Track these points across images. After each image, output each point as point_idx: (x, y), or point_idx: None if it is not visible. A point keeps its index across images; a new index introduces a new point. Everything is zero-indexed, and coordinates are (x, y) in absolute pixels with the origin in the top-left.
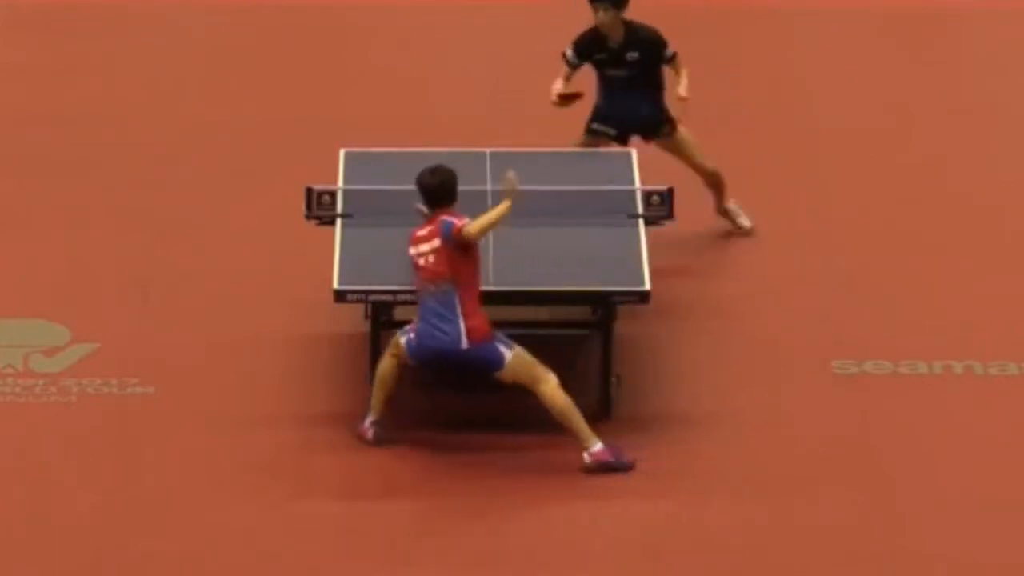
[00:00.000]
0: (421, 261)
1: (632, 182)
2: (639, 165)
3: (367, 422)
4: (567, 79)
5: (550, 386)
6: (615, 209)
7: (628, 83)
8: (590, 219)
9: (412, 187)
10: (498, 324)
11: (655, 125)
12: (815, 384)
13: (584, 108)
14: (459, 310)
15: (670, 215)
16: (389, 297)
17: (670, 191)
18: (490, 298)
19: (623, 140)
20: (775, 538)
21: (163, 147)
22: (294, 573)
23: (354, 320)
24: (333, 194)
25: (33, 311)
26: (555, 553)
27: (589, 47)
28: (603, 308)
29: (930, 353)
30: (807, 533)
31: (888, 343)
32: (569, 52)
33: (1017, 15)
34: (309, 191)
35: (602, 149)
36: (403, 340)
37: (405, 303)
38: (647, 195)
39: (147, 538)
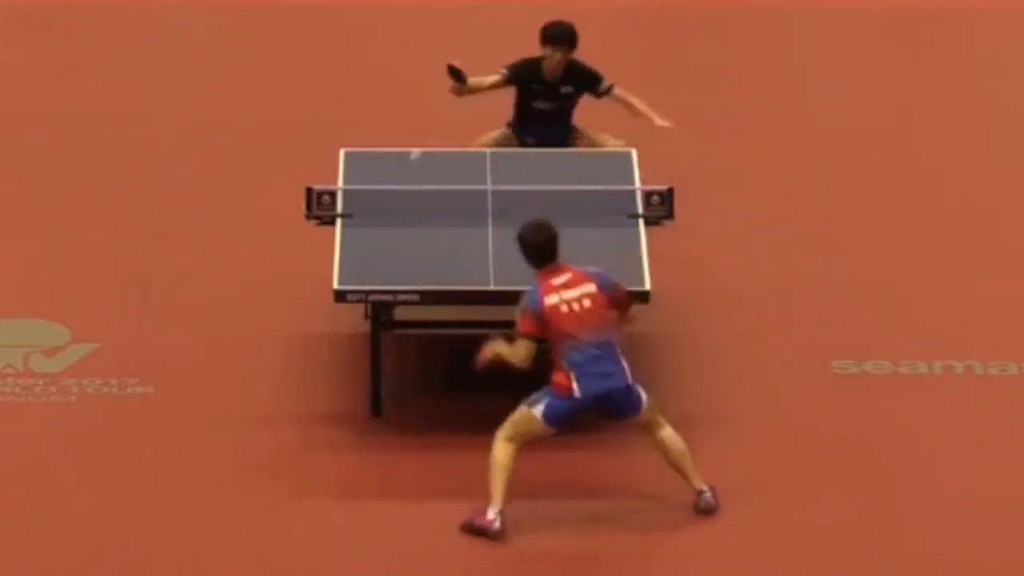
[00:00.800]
0: (566, 308)
1: (632, 182)
2: (639, 165)
3: (492, 513)
4: (487, 86)
5: (668, 430)
6: (615, 209)
7: (551, 116)
8: (590, 219)
9: (412, 187)
10: (499, 324)
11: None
12: (815, 384)
13: (586, 109)
14: (618, 351)
15: (670, 215)
16: (389, 297)
17: (670, 191)
18: (490, 298)
19: None
20: (775, 538)
21: (163, 147)
22: (294, 573)
23: (354, 320)
24: (333, 194)
25: (33, 311)
26: (555, 553)
27: (527, 74)
28: None
29: (930, 353)
30: (807, 533)
31: (888, 343)
32: (504, 71)
33: (1017, 15)
34: (309, 191)
35: (602, 149)
36: (536, 412)
37: (405, 303)
38: (647, 195)
39: (147, 538)
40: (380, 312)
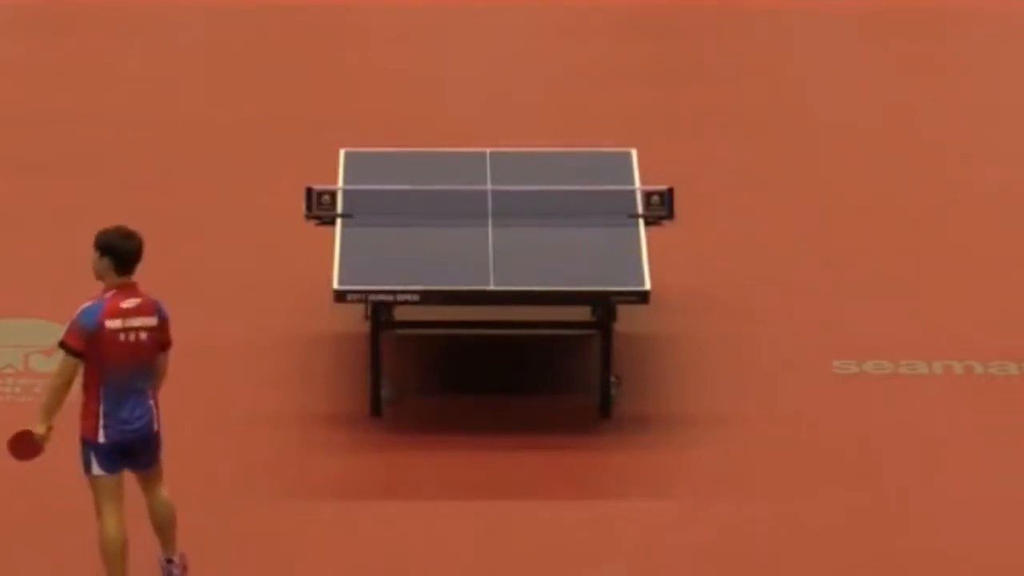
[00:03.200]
0: (123, 337)
1: (632, 182)
2: (639, 165)
3: None
4: None
5: (166, 493)
6: (615, 209)
7: None
8: (590, 219)
9: (412, 187)
10: (498, 324)
11: None
12: (815, 384)
13: (585, 109)
14: (150, 393)
15: (670, 215)
16: (389, 297)
17: (670, 191)
18: (490, 298)
19: None
20: (775, 538)
21: (163, 147)
22: (294, 573)
23: (354, 320)
24: (333, 194)
25: (33, 311)
26: (555, 553)
27: None
28: (603, 308)
29: (930, 353)
30: (807, 533)
31: (888, 343)
32: None
33: (1017, 15)
34: (309, 191)
35: (602, 149)
36: (96, 472)
37: (405, 303)
38: (647, 195)
39: (147, 538)
40: (380, 312)
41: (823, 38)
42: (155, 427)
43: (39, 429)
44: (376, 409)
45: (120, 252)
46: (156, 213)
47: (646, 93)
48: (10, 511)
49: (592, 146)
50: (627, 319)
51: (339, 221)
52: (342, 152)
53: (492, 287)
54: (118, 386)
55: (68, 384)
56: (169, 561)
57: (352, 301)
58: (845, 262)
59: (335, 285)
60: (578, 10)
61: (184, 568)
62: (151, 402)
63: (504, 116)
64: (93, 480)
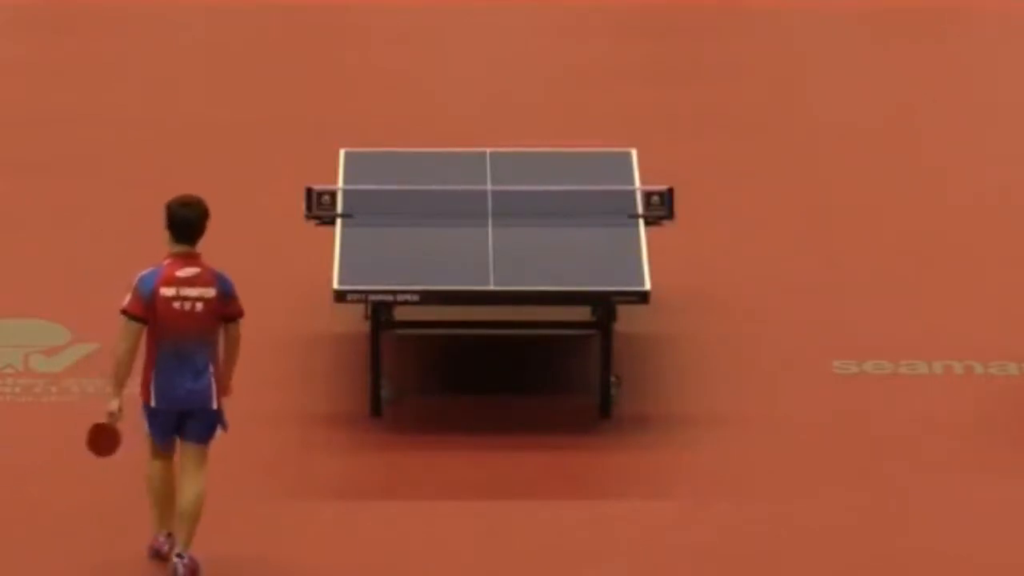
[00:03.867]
0: (178, 305)
1: (632, 182)
2: (639, 165)
3: (158, 536)
4: None
5: (200, 484)
6: (615, 209)
7: None
8: (590, 219)
9: (412, 187)
10: (498, 324)
11: None
12: (815, 384)
13: (585, 109)
14: (212, 367)
15: (670, 215)
16: (389, 297)
17: (670, 191)
18: (490, 298)
19: None
20: (775, 538)
21: (163, 147)
22: (294, 573)
23: (354, 320)
24: (333, 194)
25: (33, 311)
26: (555, 553)
27: None
28: (603, 308)
29: (930, 353)
30: (807, 533)
31: (888, 343)
32: None
33: (1017, 15)
34: (309, 191)
35: (602, 149)
36: (147, 431)
37: (405, 303)
38: (647, 195)
39: (147, 538)
40: (380, 312)
41: (823, 38)
42: (211, 403)
43: (112, 405)
44: (376, 409)
45: (176, 220)
46: (156, 213)
47: (646, 93)
48: (10, 512)
49: (592, 146)
50: (627, 319)
51: (339, 221)
52: (342, 152)
53: (492, 287)
54: (171, 354)
55: (132, 351)
56: (179, 556)
57: (352, 301)
58: (845, 262)
59: (335, 285)
60: (578, 10)
61: (191, 571)
62: (209, 376)
63: (504, 116)
64: (146, 436)
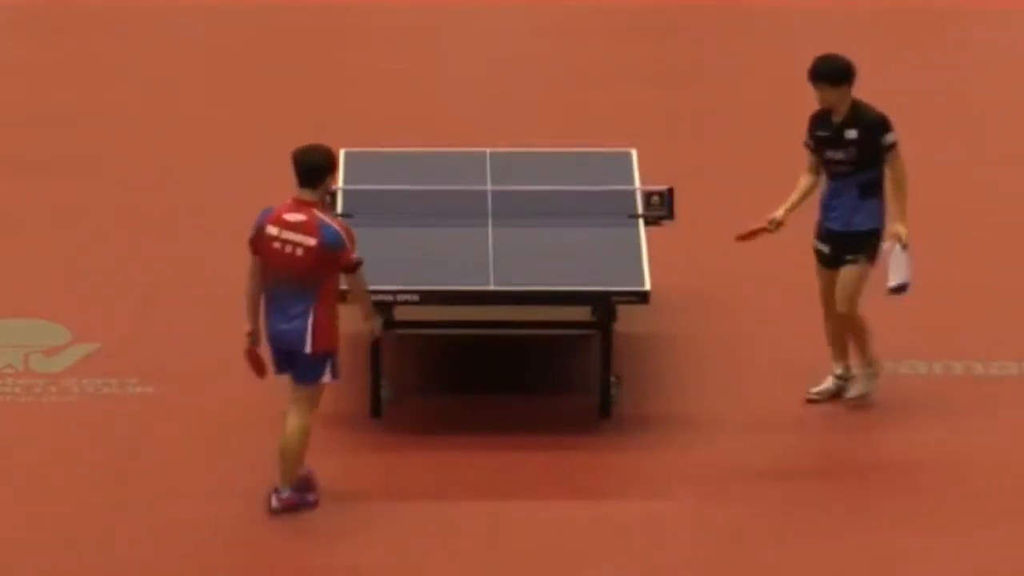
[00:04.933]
0: (278, 246)
1: (632, 182)
2: (639, 165)
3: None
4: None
5: (298, 423)
6: (615, 209)
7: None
8: (590, 219)
9: (412, 187)
10: (498, 324)
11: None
12: (815, 384)
13: (585, 109)
14: (313, 314)
15: (670, 215)
16: (389, 297)
17: (670, 191)
18: (490, 298)
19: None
20: (775, 537)
21: (163, 147)
22: (293, 573)
23: (354, 320)
24: (333, 194)
25: (33, 311)
26: (555, 553)
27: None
28: (603, 308)
29: (930, 353)
30: (807, 533)
31: (888, 343)
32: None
33: (1017, 15)
34: None
35: (602, 149)
36: None
37: (405, 303)
38: (647, 195)
39: (147, 538)
40: (380, 312)
41: (823, 38)
42: (304, 347)
43: (246, 328)
44: (376, 409)
45: (295, 164)
46: (156, 213)
47: (646, 93)
48: (10, 512)
49: (592, 146)
50: (627, 319)
51: None
52: (342, 152)
53: (492, 287)
54: (273, 292)
55: (252, 283)
56: (276, 491)
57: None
58: None
59: None
60: (578, 10)
61: (285, 507)
62: (306, 320)
63: (504, 116)
64: None
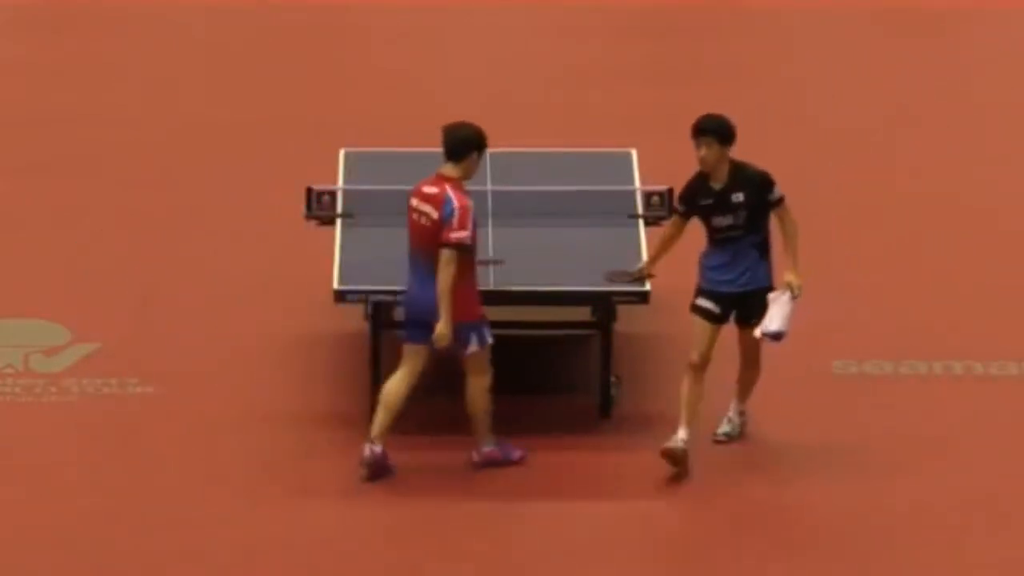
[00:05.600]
0: (415, 216)
1: (632, 182)
2: (639, 165)
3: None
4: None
5: (479, 382)
6: (615, 209)
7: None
8: (590, 219)
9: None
10: (499, 324)
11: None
12: (815, 384)
13: (585, 109)
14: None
15: (670, 215)
16: (389, 297)
17: (670, 191)
18: (490, 298)
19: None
20: (775, 538)
21: (163, 147)
22: (293, 573)
23: (354, 320)
24: (333, 194)
25: (33, 311)
26: (556, 553)
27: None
28: (603, 308)
29: (930, 353)
30: (807, 533)
31: (888, 343)
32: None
33: (1017, 15)
34: (309, 191)
35: (602, 149)
36: None
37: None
38: (647, 195)
39: (147, 538)
40: (380, 312)
41: (823, 38)
42: (435, 316)
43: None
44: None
45: (443, 137)
46: (156, 213)
47: (646, 93)
48: (10, 512)
49: (592, 146)
50: (627, 319)
51: (339, 221)
52: (342, 152)
53: (492, 287)
54: (413, 260)
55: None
56: (371, 441)
57: (352, 301)
58: (845, 262)
59: (335, 285)
60: (578, 10)
61: (374, 459)
62: (433, 286)
63: (504, 116)
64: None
